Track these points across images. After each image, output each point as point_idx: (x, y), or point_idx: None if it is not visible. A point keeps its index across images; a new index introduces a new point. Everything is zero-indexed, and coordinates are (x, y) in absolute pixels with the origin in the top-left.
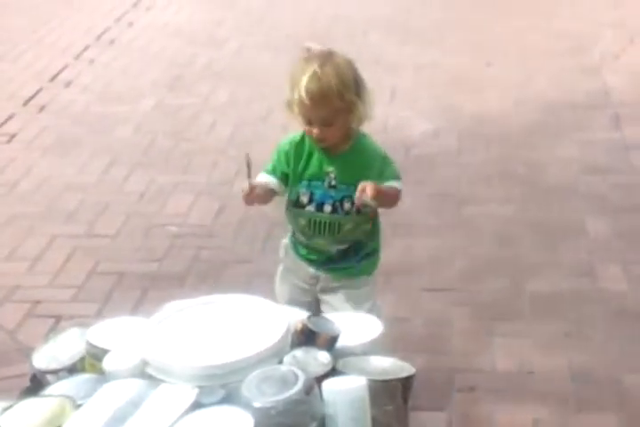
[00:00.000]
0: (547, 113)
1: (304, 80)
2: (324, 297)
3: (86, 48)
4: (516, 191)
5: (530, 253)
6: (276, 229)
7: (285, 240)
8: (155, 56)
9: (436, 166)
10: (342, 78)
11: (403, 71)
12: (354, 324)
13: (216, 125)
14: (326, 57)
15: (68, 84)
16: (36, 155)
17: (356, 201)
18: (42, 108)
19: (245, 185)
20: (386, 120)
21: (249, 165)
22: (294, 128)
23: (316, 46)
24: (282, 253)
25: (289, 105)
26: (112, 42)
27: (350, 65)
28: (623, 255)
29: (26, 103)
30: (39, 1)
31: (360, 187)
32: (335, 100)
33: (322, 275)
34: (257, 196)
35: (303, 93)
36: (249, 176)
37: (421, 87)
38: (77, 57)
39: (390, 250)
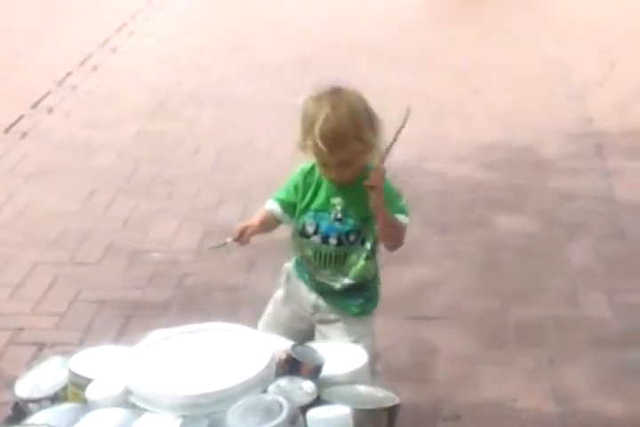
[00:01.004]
0: (533, 140)
1: (318, 125)
2: (321, 328)
3: (69, 74)
4: (500, 218)
5: (514, 280)
6: (261, 256)
7: (288, 265)
8: (138, 82)
9: (422, 194)
10: (357, 119)
11: (388, 99)
12: (338, 353)
13: (199, 151)
14: (336, 95)
15: (50, 111)
16: (17, 181)
17: (370, 182)
18: (24, 135)
19: (240, 225)
20: None
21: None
22: (278, 155)
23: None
24: (283, 278)
25: (302, 147)
26: (95, 68)
27: (361, 100)
28: (606, 283)
29: (7, 130)
30: (21, 26)
31: (372, 173)
32: (353, 143)
33: (322, 305)
34: (250, 235)
35: (319, 140)
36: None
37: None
38: (60, 83)
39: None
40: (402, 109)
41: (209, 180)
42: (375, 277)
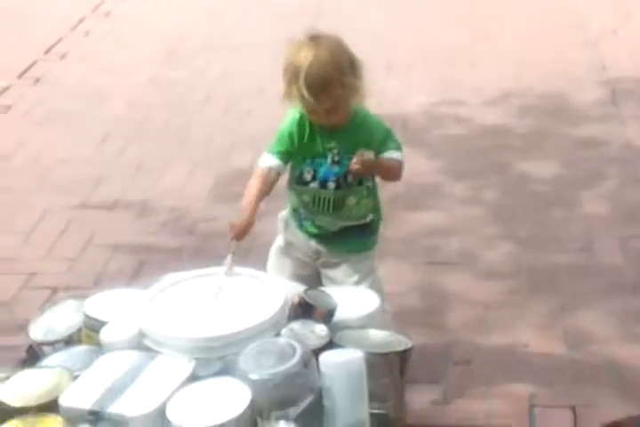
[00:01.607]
0: (545, 87)
1: (302, 76)
2: (326, 271)
3: (81, 20)
4: (516, 164)
5: (529, 226)
6: (271, 203)
7: (284, 213)
8: (150, 28)
9: (438, 139)
10: (339, 65)
11: (399, 45)
12: (351, 297)
13: (211, 98)
14: (316, 42)
15: (63, 57)
16: (30, 127)
17: (352, 166)
18: (37, 81)
19: (236, 224)
20: (382, 93)
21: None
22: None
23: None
24: (281, 226)
25: (288, 96)
26: (107, 14)
27: (341, 45)
28: (620, 230)
29: (20, 75)
30: None
31: (359, 153)
32: (337, 90)
33: (323, 250)
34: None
35: (304, 89)
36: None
37: (419, 61)
38: (73, 29)
39: (387, 223)
40: (409, 57)
41: (221, 126)
42: (375, 213)
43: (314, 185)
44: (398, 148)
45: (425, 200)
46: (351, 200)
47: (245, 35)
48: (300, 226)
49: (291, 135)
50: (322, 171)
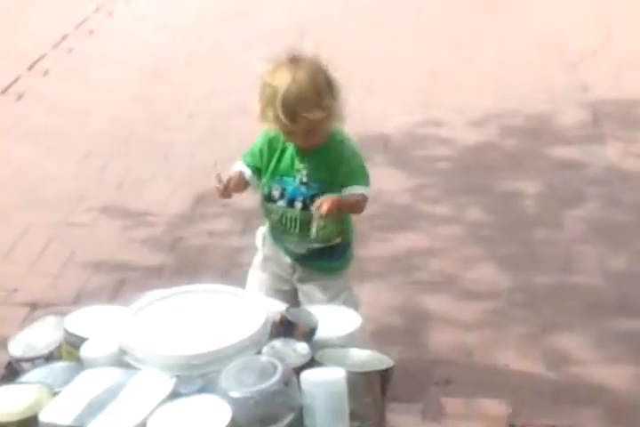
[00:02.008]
0: (525, 108)
1: (279, 98)
2: (301, 286)
3: (65, 37)
4: (495, 185)
5: (509, 246)
6: (253, 219)
7: (263, 229)
8: (134, 46)
9: (418, 160)
10: (317, 88)
11: (380, 64)
12: (332, 316)
13: (194, 116)
14: (295, 64)
15: (46, 73)
16: (13, 143)
17: (314, 215)
18: (20, 97)
19: (221, 180)
20: (364, 113)
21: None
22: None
23: (281, 55)
24: (259, 242)
25: (265, 118)
26: (91, 31)
27: (320, 67)
28: (601, 251)
29: (3, 91)
30: None
31: (317, 202)
32: (315, 113)
33: (297, 266)
34: (232, 189)
35: (281, 112)
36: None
37: (400, 81)
38: (56, 46)
39: (368, 243)
40: (392, 77)
41: (204, 143)
42: (344, 237)
43: (281, 203)
44: (366, 183)
45: (406, 220)
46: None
47: (229, 52)
48: (276, 242)
49: (261, 152)
50: (289, 189)
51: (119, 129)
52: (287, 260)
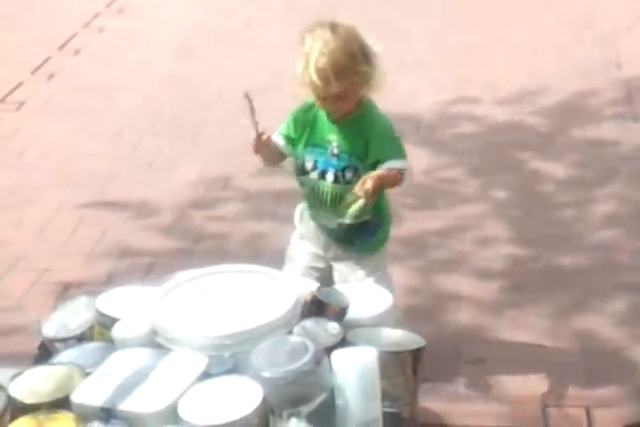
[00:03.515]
0: (557, 84)
1: (312, 60)
2: (336, 265)
3: (95, 16)
4: (530, 163)
5: (541, 225)
6: (282, 200)
7: (301, 205)
8: (164, 24)
9: (450, 137)
10: (351, 51)
11: (412, 43)
12: (364, 295)
13: (224, 94)
14: (330, 30)
15: (76, 53)
16: (44, 123)
17: (356, 193)
18: (50, 76)
19: (254, 133)
20: (395, 91)
21: (250, 103)
22: (303, 98)
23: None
24: (297, 218)
25: (301, 83)
26: (121, 10)
27: (355, 34)
28: (634, 229)
29: (34, 71)
30: None
31: (360, 181)
32: (348, 76)
33: (332, 243)
34: (265, 143)
35: (314, 74)
36: (252, 114)
37: (431, 59)
38: (86, 25)
39: (404, 222)
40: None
41: (234, 123)
42: (378, 215)
43: (314, 175)
44: (403, 155)
45: (437, 198)
46: (348, 198)
47: (258, 30)
48: (313, 218)
49: (295, 122)
50: (321, 161)
51: (150, 108)
52: (322, 236)
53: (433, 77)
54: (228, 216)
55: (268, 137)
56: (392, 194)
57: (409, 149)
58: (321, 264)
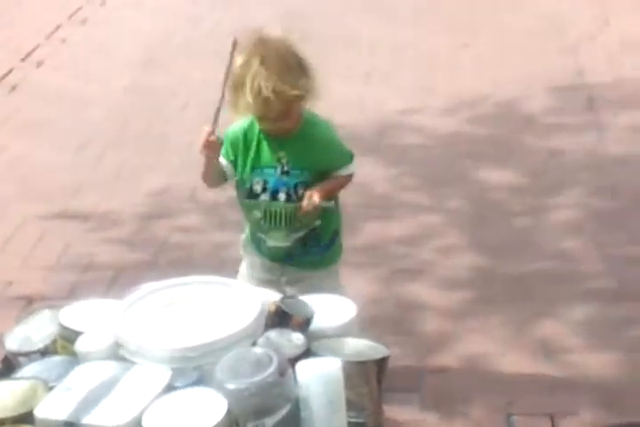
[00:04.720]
0: (522, 94)
1: (248, 83)
2: (290, 290)
3: (58, 27)
4: (489, 172)
5: (500, 234)
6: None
7: (243, 237)
8: (128, 35)
9: (408, 147)
10: (288, 69)
11: (379, 52)
12: (328, 305)
13: (190, 106)
14: (263, 46)
15: (39, 64)
16: (8, 135)
17: (304, 208)
18: (13, 88)
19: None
20: (362, 100)
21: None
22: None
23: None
24: (241, 250)
25: (234, 106)
26: (84, 21)
27: (288, 46)
28: (596, 237)
29: None
30: None
31: (307, 195)
32: (288, 95)
33: (284, 268)
34: (214, 144)
35: (250, 99)
36: (221, 100)
37: (397, 68)
38: (49, 36)
39: (363, 232)
40: (387, 64)
41: (199, 134)
42: (326, 221)
43: (264, 197)
44: (350, 160)
45: (394, 208)
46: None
47: (224, 41)
48: (258, 248)
49: (233, 145)
50: (272, 181)
51: (114, 119)
52: (274, 264)
53: (398, 86)
54: (192, 227)
55: (218, 139)
56: (351, 205)
57: (370, 158)
58: (274, 290)
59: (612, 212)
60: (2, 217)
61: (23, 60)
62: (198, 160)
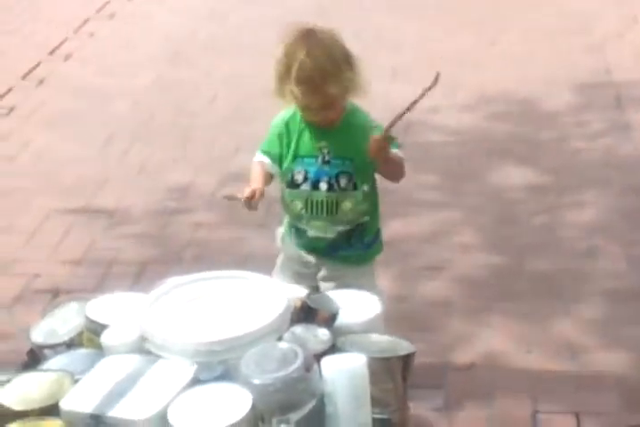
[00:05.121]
0: (548, 91)
1: (294, 71)
2: (325, 285)
3: (86, 21)
4: (515, 170)
5: (527, 232)
6: (273, 206)
7: (281, 229)
8: (155, 29)
9: (433, 144)
10: (333, 59)
11: (405, 49)
12: (354, 301)
13: (216, 100)
14: (310, 38)
15: (67, 58)
16: (34, 128)
17: (371, 148)
18: (41, 82)
19: (247, 190)
20: (388, 97)
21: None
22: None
23: (296, 25)
24: (279, 242)
25: (280, 94)
26: (112, 15)
27: (336, 40)
28: (623, 236)
29: (24, 77)
30: None
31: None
32: (332, 85)
33: (321, 262)
34: (258, 199)
35: (295, 87)
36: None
37: (423, 65)
38: (77, 31)
39: (388, 229)
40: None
41: (225, 128)
42: (373, 214)
43: (305, 187)
44: (397, 145)
45: (420, 206)
46: (346, 205)
47: (250, 35)
48: (297, 241)
49: (279, 136)
50: (312, 171)
51: (140, 113)
52: (310, 258)
53: (424, 84)
54: (216, 223)
55: (262, 190)
56: None
57: None
58: (308, 284)
59: (637, 211)
60: (27, 210)
61: (51, 53)
62: (223, 155)
